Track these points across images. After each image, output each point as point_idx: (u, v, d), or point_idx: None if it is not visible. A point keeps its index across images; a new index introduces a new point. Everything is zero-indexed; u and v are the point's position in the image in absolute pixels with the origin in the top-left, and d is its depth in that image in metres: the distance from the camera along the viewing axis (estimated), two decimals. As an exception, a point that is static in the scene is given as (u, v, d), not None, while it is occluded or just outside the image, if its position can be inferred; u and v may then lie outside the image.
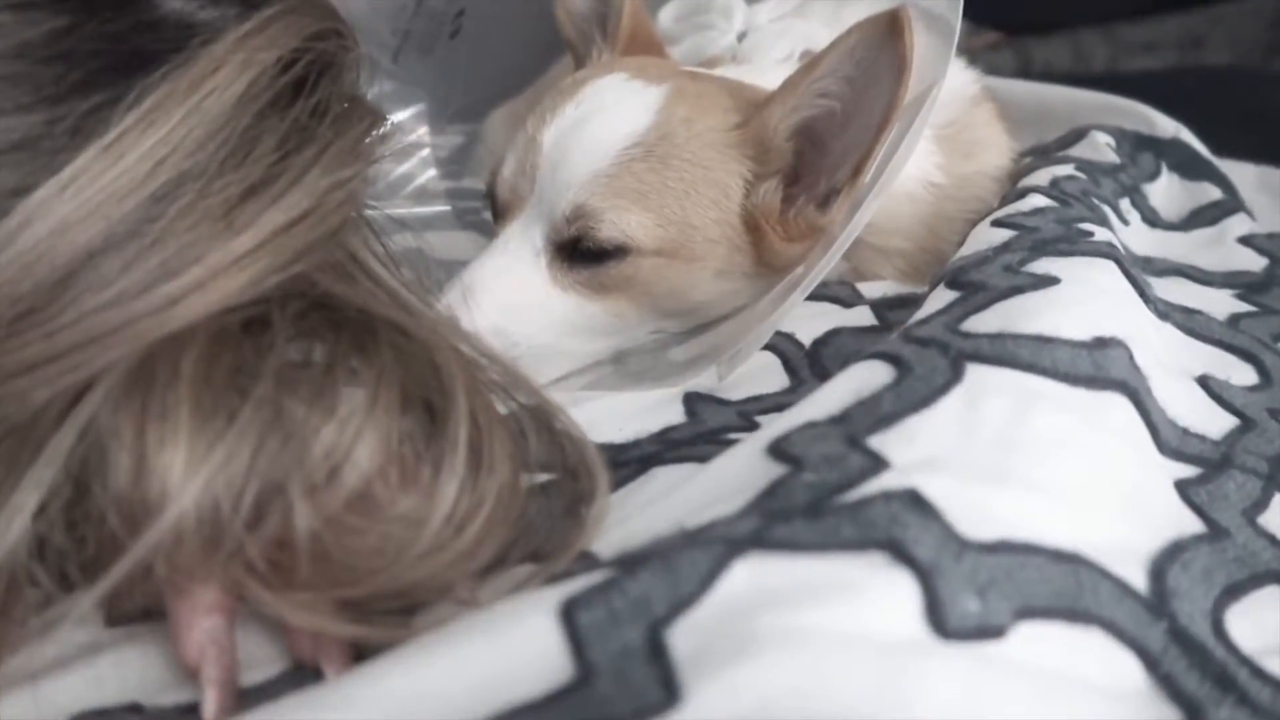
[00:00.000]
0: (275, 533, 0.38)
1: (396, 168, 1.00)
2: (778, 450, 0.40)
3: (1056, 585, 0.35)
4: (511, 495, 0.42)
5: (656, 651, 0.31)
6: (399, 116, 0.99)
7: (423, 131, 1.03)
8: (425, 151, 1.05)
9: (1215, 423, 0.51)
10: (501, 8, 0.90)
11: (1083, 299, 0.50)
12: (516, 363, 0.56)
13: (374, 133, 0.49)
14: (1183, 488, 0.45)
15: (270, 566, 0.38)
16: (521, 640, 0.32)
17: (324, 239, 0.44)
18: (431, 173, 1.04)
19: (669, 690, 0.30)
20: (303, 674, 0.39)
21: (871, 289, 0.69)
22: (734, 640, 0.31)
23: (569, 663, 0.32)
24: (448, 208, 0.97)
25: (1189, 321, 0.60)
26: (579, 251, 0.62)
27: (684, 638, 0.32)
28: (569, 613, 0.32)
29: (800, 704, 0.30)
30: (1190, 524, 0.43)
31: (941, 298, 0.52)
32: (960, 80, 0.78)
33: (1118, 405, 0.45)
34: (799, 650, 0.31)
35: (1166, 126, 0.89)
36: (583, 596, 0.33)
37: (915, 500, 0.36)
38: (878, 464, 0.38)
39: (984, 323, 0.47)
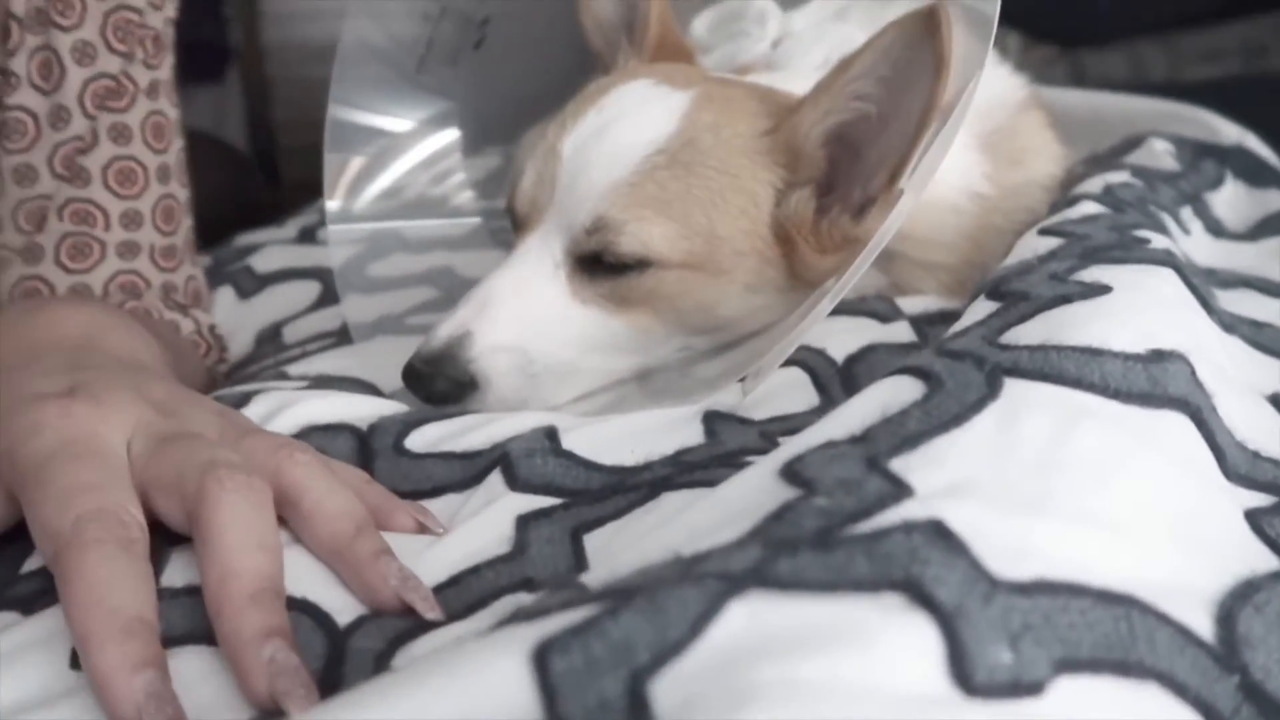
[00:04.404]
0: None
1: (432, 190, 0.99)
2: (790, 472, 0.36)
3: (1105, 632, 0.31)
4: None
5: (637, 706, 0.27)
6: (435, 143, 0.98)
7: (456, 157, 1.02)
8: (460, 175, 1.04)
9: (1290, 446, 0.46)
10: (528, 18, 0.88)
11: (1138, 307, 0.46)
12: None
13: None
14: (1254, 518, 0.40)
15: None
16: (489, 686, 0.28)
17: None
18: (467, 194, 1.03)
19: (647, 752, 0.26)
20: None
21: (912, 304, 0.65)
22: (726, 694, 0.27)
23: (539, 716, 0.28)
24: (479, 220, 0.95)
25: (1258, 335, 0.55)
26: (600, 264, 0.59)
27: (669, 691, 0.27)
28: (542, 657, 0.28)
29: None
30: (1264, 560, 0.38)
31: (981, 309, 0.48)
32: (1006, 85, 0.74)
33: (1177, 425, 0.40)
34: (800, 706, 0.27)
35: (1230, 133, 0.84)
36: (559, 639, 0.29)
37: (940, 532, 0.31)
38: (899, 490, 0.34)
39: (1026, 334, 0.43)
